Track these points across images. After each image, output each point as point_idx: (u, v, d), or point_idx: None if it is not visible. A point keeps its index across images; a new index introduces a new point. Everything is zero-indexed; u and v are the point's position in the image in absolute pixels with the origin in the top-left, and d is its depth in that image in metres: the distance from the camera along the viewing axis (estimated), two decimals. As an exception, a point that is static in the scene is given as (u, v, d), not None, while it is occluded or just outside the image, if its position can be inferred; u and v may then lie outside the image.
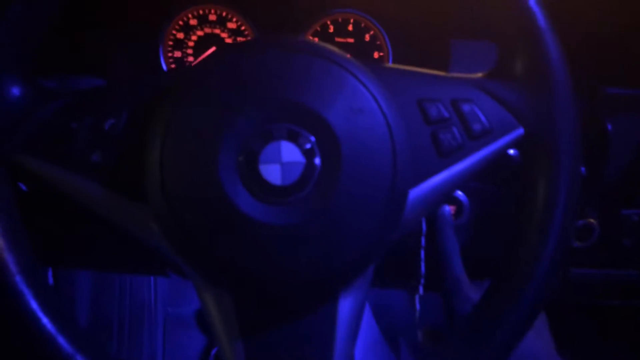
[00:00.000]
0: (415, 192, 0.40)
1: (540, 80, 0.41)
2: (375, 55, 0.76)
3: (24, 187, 0.51)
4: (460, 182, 0.41)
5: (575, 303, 0.69)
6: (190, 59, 0.73)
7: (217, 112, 0.36)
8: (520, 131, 0.41)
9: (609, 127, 0.53)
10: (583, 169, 0.54)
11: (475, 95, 0.41)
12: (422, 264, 0.60)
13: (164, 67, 0.72)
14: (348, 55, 0.39)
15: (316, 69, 0.37)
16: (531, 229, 0.41)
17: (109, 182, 0.38)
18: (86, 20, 0.64)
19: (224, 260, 0.36)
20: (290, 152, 0.36)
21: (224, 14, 0.72)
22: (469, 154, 0.41)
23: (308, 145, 0.36)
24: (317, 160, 0.36)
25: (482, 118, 0.41)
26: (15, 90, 0.38)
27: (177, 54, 0.72)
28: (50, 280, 0.94)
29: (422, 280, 0.61)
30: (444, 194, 0.41)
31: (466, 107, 0.41)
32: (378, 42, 0.75)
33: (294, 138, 0.36)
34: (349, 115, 0.37)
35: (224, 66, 0.37)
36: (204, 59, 0.38)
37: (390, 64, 0.42)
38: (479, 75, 0.44)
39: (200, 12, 0.72)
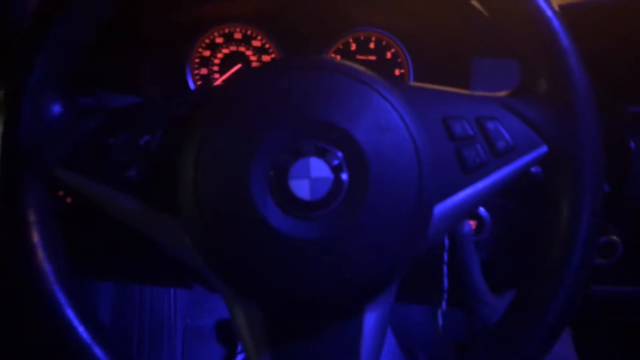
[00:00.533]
0: (440, 208, 0.40)
1: (563, 98, 0.42)
2: (397, 72, 0.77)
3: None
4: (484, 198, 0.42)
5: (599, 320, 0.68)
6: (216, 76, 0.74)
7: (248, 130, 0.37)
8: (543, 149, 0.42)
9: (632, 144, 0.53)
10: (606, 186, 0.54)
11: (500, 113, 0.42)
12: (445, 280, 0.61)
13: (191, 84, 0.73)
14: (374, 74, 0.40)
15: (343, 88, 0.38)
16: (555, 247, 0.41)
17: (143, 197, 0.40)
18: (119, 40, 0.66)
19: (253, 273, 0.37)
20: (318, 168, 0.37)
21: (249, 32, 0.74)
22: (493, 171, 0.41)
23: (336, 162, 0.37)
24: (345, 176, 0.37)
25: (506, 136, 0.41)
26: (56, 108, 0.40)
27: (204, 71, 0.74)
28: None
29: (445, 296, 0.61)
30: (468, 210, 0.42)
31: (490, 125, 0.41)
32: (399, 60, 0.77)
33: (322, 154, 0.37)
34: (376, 132, 0.38)
35: (254, 86, 0.38)
36: (234, 79, 0.40)
37: (415, 83, 0.43)
38: (503, 93, 0.44)
39: (226, 30, 0.74)
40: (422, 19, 0.73)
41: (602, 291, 0.68)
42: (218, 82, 0.75)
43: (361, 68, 0.40)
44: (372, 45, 0.76)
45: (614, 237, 0.62)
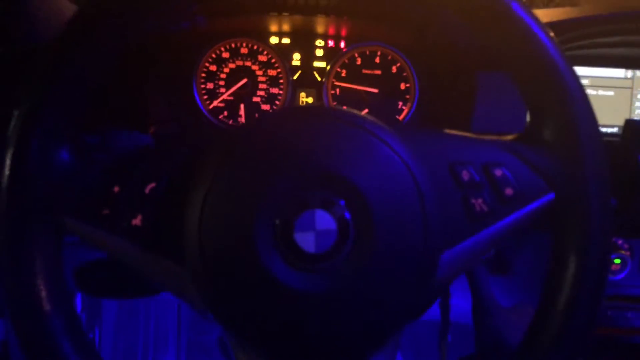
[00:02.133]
0: (447, 256, 0.40)
1: (571, 146, 0.41)
2: (402, 86, 0.77)
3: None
4: (491, 245, 0.41)
5: (612, 339, 0.67)
6: (222, 90, 0.75)
7: (254, 181, 0.37)
8: (551, 196, 0.42)
9: (639, 158, 0.53)
10: (614, 200, 0.54)
11: (507, 159, 0.42)
12: (449, 313, 0.60)
13: (197, 98, 0.74)
14: (379, 122, 0.40)
15: (349, 138, 0.38)
16: (562, 296, 0.41)
17: (149, 245, 0.39)
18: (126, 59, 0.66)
19: (257, 324, 0.37)
20: (324, 220, 0.37)
21: (255, 47, 0.75)
22: (500, 219, 0.41)
23: (341, 214, 0.37)
24: (350, 228, 0.37)
25: (513, 182, 0.41)
26: (64, 154, 0.40)
27: (210, 85, 0.75)
28: (79, 306, 0.95)
29: (449, 337, 0.60)
30: (476, 257, 0.42)
31: (497, 172, 0.41)
32: (405, 74, 0.77)
33: (327, 206, 0.37)
34: (381, 183, 0.37)
35: (259, 136, 0.38)
36: (240, 128, 0.40)
37: (421, 128, 0.43)
38: (510, 137, 0.44)
39: (233, 45, 0.74)
40: (428, 34, 0.73)
41: (611, 307, 0.67)
42: (224, 96, 0.75)
43: (366, 116, 0.40)
44: (377, 60, 0.77)
45: (623, 252, 0.62)
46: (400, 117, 0.77)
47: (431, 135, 0.43)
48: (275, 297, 0.36)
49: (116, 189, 0.40)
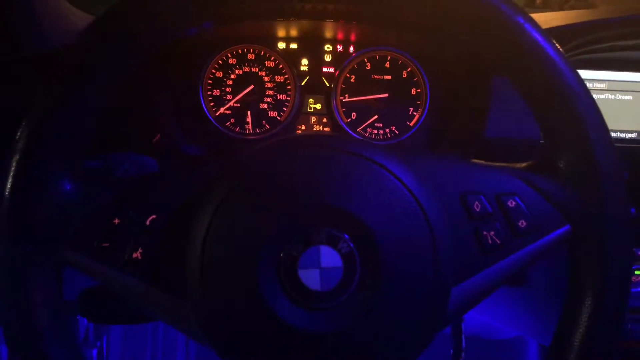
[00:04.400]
0: (458, 290, 0.39)
1: (590, 178, 0.40)
2: (413, 91, 0.75)
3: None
4: (504, 279, 0.40)
5: (633, 353, 0.65)
6: (229, 97, 0.73)
7: (256, 217, 0.36)
8: (566, 228, 0.40)
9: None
10: (633, 209, 0.52)
11: (520, 189, 0.40)
12: (463, 338, 0.58)
13: (203, 105, 0.73)
14: (387, 152, 0.39)
15: (356, 170, 0.37)
16: (579, 330, 0.40)
17: (150, 278, 0.38)
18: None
19: None
20: (329, 257, 0.35)
21: (262, 53, 0.73)
22: (513, 252, 0.40)
23: (347, 250, 0.36)
24: (357, 265, 0.36)
25: (527, 214, 0.40)
26: (66, 186, 0.39)
27: (216, 92, 0.73)
28: (85, 322, 0.94)
29: (463, 355, 0.58)
30: (488, 291, 0.40)
31: (511, 202, 0.40)
32: (415, 79, 0.75)
33: (333, 242, 0.36)
34: (388, 217, 0.36)
35: (263, 169, 0.37)
36: (243, 160, 0.38)
37: (431, 154, 0.42)
38: (523, 165, 0.42)
39: (240, 51, 0.73)
40: (439, 39, 0.71)
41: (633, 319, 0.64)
42: (231, 103, 0.74)
43: (373, 146, 0.39)
44: (387, 65, 0.75)
45: (644, 263, 0.60)
46: (411, 123, 0.75)
47: (441, 163, 0.41)
48: (279, 336, 0.35)
49: (116, 221, 0.38)
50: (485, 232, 0.39)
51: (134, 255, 0.38)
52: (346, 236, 0.36)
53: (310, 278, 0.35)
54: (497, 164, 0.43)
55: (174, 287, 0.38)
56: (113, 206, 0.39)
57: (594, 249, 0.40)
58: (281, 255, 0.36)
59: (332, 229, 0.36)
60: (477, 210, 0.40)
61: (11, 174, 0.37)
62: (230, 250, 0.36)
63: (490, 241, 0.39)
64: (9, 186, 0.37)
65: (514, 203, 0.40)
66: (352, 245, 0.36)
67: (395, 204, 0.37)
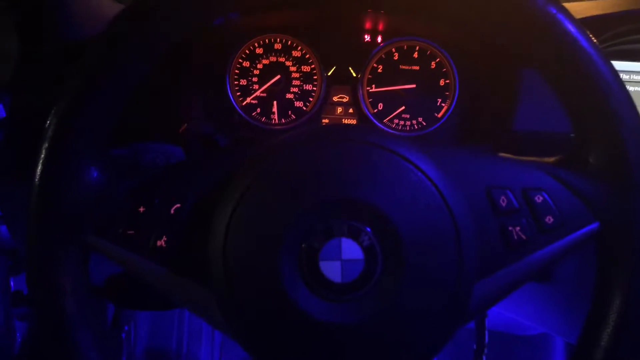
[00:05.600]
0: (481, 286, 0.38)
1: (621, 175, 0.38)
2: (441, 82, 0.74)
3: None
4: (529, 276, 0.39)
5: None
6: (256, 87, 0.74)
7: (278, 208, 0.36)
8: (595, 225, 0.39)
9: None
10: None
11: (548, 184, 0.39)
12: (486, 333, 0.58)
13: (230, 95, 0.73)
14: (411, 143, 0.38)
15: (379, 163, 0.37)
16: (606, 329, 0.39)
17: (173, 266, 0.39)
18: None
19: (279, 352, 0.36)
20: (350, 249, 0.35)
21: (289, 42, 0.73)
22: (539, 248, 0.39)
23: (369, 242, 0.35)
24: (379, 258, 0.35)
25: (555, 210, 0.39)
26: (93, 173, 0.39)
27: (243, 82, 0.74)
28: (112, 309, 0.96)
29: (486, 350, 0.58)
30: (512, 288, 0.39)
31: (538, 197, 0.39)
32: (444, 70, 0.74)
33: (354, 235, 0.35)
34: (411, 210, 0.36)
35: (286, 159, 0.37)
36: (267, 151, 0.38)
37: (457, 147, 0.41)
38: (552, 160, 0.41)
39: (266, 41, 0.73)
40: (469, 28, 0.70)
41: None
42: (257, 93, 0.74)
43: (398, 137, 0.38)
44: (415, 55, 0.74)
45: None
46: (439, 115, 0.74)
47: (467, 156, 0.41)
48: (299, 327, 0.35)
49: (142, 209, 0.39)
50: (510, 228, 0.38)
51: (159, 243, 0.39)
52: (368, 229, 0.36)
53: (331, 270, 0.35)
54: (525, 158, 0.42)
55: (197, 275, 0.38)
56: (139, 194, 0.40)
57: (623, 248, 0.39)
58: (302, 246, 0.36)
59: (354, 221, 0.36)
60: (503, 205, 0.39)
61: (41, 161, 0.38)
62: (252, 240, 0.36)
63: (515, 237, 0.38)
64: (38, 173, 0.38)
65: (541, 198, 0.39)
66: (373, 238, 0.36)
67: (419, 197, 0.36)
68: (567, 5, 0.73)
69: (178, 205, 0.39)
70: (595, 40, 0.38)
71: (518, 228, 0.38)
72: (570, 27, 0.38)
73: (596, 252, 0.40)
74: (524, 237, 0.38)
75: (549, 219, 0.39)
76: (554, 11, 0.38)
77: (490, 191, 0.39)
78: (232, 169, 0.39)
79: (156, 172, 0.41)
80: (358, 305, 0.35)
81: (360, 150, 0.37)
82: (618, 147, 0.38)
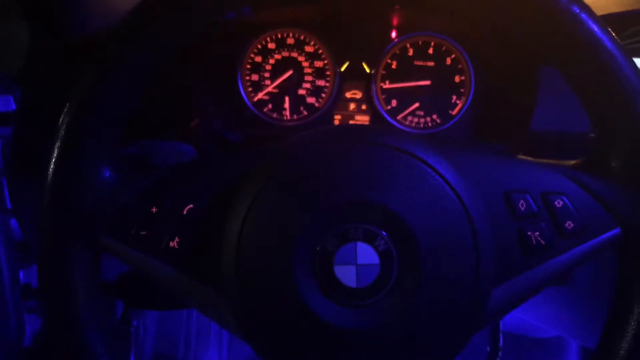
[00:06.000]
0: (498, 292, 0.37)
1: None
2: (457, 79, 0.72)
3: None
4: (548, 282, 0.38)
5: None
6: (267, 82, 0.73)
7: (292, 211, 0.35)
8: (617, 231, 0.38)
9: None
10: None
11: (568, 188, 0.39)
12: (500, 336, 0.57)
13: (242, 90, 0.72)
14: (428, 145, 0.37)
15: (395, 165, 0.36)
16: (626, 338, 0.38)
17: (186, 267, 0.39)
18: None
19: (292, 356, 0.36)
20: (366, 253, 0.35)
21: (302, 37, 0.72)
22: (558, 254, 0.38)
23: (385, 247, 0.35)
24: (395, 263, 0.35)
25: (575, 215, 0.38)
26: (105, 173, 0.39)
27: (255, 77, 0.73)
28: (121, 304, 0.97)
29: (500, 354, 0.57)
30: (530, 294, 0.39)
31: (558, 202, 0.38)
32: (460, 66, 0.72)
33: (370, 239, 0.35)
34: (429, 215, 0.35)
35: (300, 161, 0.37)
36: (281, 152, 0.38)
37: (475, 149, 0.40)
38: (572, 163, 0.40)
39: (279, 35, 0.72)
40: (485, 24, 0.68)
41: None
42: (269, 89, 0.73)
43: (413, 139, 0.38)
44: (430, 51, 0.72)
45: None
46: (454, 112, 0.73)
47: (485, 159, 0.40)
48: (312, 331, 0.34)
49: (154, 210, 0.39)
50: (529, 233, 0.38)
51: (171, 244, 0.38)
52: (384, 233, 0.35)
53: (346, 274, 0.35)
54: (545, 160, 0.41)
55: (209, 277, 0.38)
56: (151, 195, 0.39)
57: None
58: (317, 249, 0.35)
59: (369, 225, 0.35)
60: (522, 209, 0.38)
61: (53, 160, 0.37)
62: (266, 243, 0.35)
63: (534, 242, 0.38)
64: (50, 172, 0.37)
65: (561, 203, 0.38)
66: (389, 242, 0.35)
67: (436, 201, 0.35)
68: (588, 1, 0.72)
69: (191, 206, 0.39)
70: (619, 41, 0.37)
71: (537, 233, 0.38)
72: (594, 27, 0.36)
73: (617, 258, 0.39)
74: (543, 242, 0.38)
75: (569, 224, 0.38)
76: (577, 10, 0.36)
77: (509, 195, 0.38)
78: (246, 169, 0.39)
79: (168, 171, 0.40)
80: (373, 310, 0.35)
81: (377, 152, 0.37)
82: None
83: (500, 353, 0.57)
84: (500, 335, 0.59)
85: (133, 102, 0.38)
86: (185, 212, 0.38)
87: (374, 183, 0.35)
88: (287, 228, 0.35)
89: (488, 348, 0.65)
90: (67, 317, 0.38)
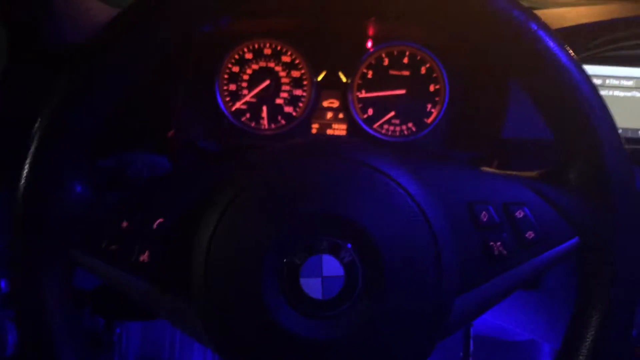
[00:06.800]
0: (462, 301, 0.38)
1: (602, 192, 0.39)
2: (432, 88, 0.74)
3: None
4: (510, 290, 0.40)
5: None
6: (245, 92, 0.73)
7: (260, 225, 0.36)
8: (575, 240, 0.39)
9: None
10: None
11: (528, 199, 0.40)
12: (471, 342, 0.58)
13: (219, 100, 0.73)
14: (391, 158, 0.38)
15: (360, 179, 0.37)
16: (586, 341, 0.39)
17: (156, 281, 0.39)
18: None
19: None
20: (331, 266, 0.35)
21: (278, 47, 0.73)
22: (520, 264, 0.39)
23: (349, 259, 0.36)
24: (359, 274, 0.36)
25: (535, 225, 0.39)
26: (77, 187, 0.39)
27: (232, 87, 0.73)
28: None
29: (471, 359, 0.58)
30: (493, 302, 0.40)
31: (519, 213, 0.39)
32: (434, 75, 0.74)
33: (335, 251, 0.36)
34: (393, 227, 0.36)
35: (267, 176, 0.37)
36: (248, 167, 0.38)
37: (438, 163, 0.41)
38: (534, 174, 0.42)
39: (256, 46, 0.73)
40: (459, 34, 0.70)
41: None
42: (247, 98, 0.73)
43: (380, 155, 0.38)
44: (405, 60, 0.74)
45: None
46: (429, 120, 0.74)
47: (448, 171, 0.41)
48: (280, 342, 0.35)
49: (124, 224, 0.39)
50: (491, 243, 0.39)
51: (141, 258, 0.39)
52: (349, 245, 0.36)
53: (312, 287, 0.35)
54: (507, 172, 0.42)
55: (179, 290, 0.38)
56: (122, 208, 0.40)
57: (602, 263, 0.39)
58: (284, 262, 0.36)
59: (334, 238, 0.36)
60: (484, 220, 0.39)
61: (24, 174, 0.38)
62: (234, 257, 0.36)
63: (496, 252, 0.39)
64: (21, 187, 0.38)
65: (522, 213, 0.39)
66: (354, 254, 0.36)
67: (399, 213, 0.36)
68: (559, 11, 0.73)
69: (161, 220, 0.39)
70: (576, 57, 0.38)
71: (499, 243, 0.39)
72: (551, 44, 0.38)
73: (577, 266, 0.41)
74: (504, 252, 0.39)
75: (530, 234, 0.39)
76: (535, 27, 0.38)
77: (472, 206, 0.39)
78: (215, 183, 0.39)
79: (140, 184, 0.41)
80: (339, 321, 0.36)
81: (342, 166, 0.37)
82: (598, 165, 0.38)
83: (470, 359, 0.58)
84: (471, 341, 0.60)
85: (106, 115, 0.39)
86: (155, 226, 0.39)
87: (338, 196, 0.36)
88: (255, 241, 0.36)
89: (462, 353, 0.66)
90: (38, 331, 0.38)
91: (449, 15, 0.40)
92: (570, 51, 0.39)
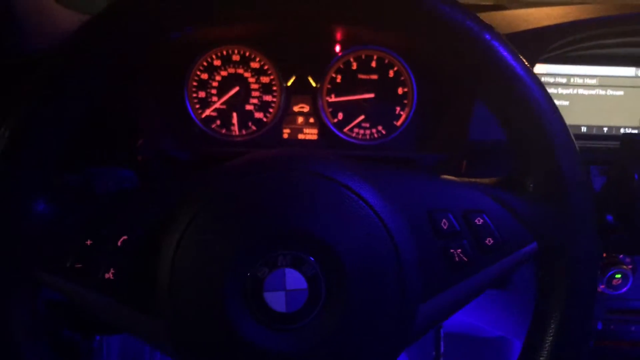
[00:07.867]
0: (425, 307, 0.39)
1: (557, 198, 0.40)
2: (400, 91, 0.75)
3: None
4: (472, 295, 0.40)
5: (615, 352, 0.65)
6: (214, 99, 0.73)
7: (223, 239, 0.36)
8: (533, 245, 0.40)
9: (636, 175, 0.51)
10: (611, 217, 0.51)
11: (487, 206, 0.41)
12: (442, 343, 0.59)
13: (189, 107, 0.73)
14: (352, 170, 0.39)
15: (320, 192, 0.38)
16: (548, 338, 0.40)
17: (121, 298, 0.39)
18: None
19: None
20: (294, 279, 0.36)
21: (247, 54, 0.73)
22: (480, 269, 0.40)
23: (312, 272, 0.36)
24: (322, 287, 0.36)
25: (494, 231, 0.40)
26: (40, 206, 0.39)
27: (202, 94, 0.73)
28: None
29: (442, 359, 0.59)
30: (456, 307, 0.41)
31: (478, 220, 0.40)
32: (402, 78, 0.74)
33: (298, 265, 0.36)
34: (354, 239, 0.37)
35: (229, 191, 0.38)
36: (210, 182, 0.39)
37: (398, 172, 0.42)
38: (493, 181, 0.42)
39: (224, 52, 0.73)
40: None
41: (613, 320, 0.65)
42: (217, 105, 0.74)
43: (340, 167, 0.39)
44: (373, 64, 0.74)
45: (625, 267, 0.59)
46: (398, 123, 0.75)
47: (408, 180, 0.42)
48: (245, 356, 0.36)
49: (89, 242, 0.39)
50: (452, 250, 0.40)
51: (106, 276, 0.39)
52: (311, 259, 0.36)
53: (276, 300, 0.36)
54: (466, 179, 0.43)
55: (145, 305, 0.39)
56: (86, 226, 0.39)
57: (559, 266, 0.40)
58: (248, 276, 0.36)
59: (297, 252, 0.36)
60: (445, 228, 0.40)
61: None
62: (198, 273, 0.36)
63: (457, 259, 0.40)
64: None
65: (481, 220, 0.40)
66: (317, 267, 0.36)
67: (360, 225, 0.37)
68: (522, 12, 0.74)
69: (125, 237, 0.39)
70: (529, 66, 0.39)
71: (459, 250, 0.40)
72: (505, 54, 0.39)
73: (535, 269, 0.42)
74: (465, 258, 0.40)
75: (489, 240, 0.40)
76: (488, 37, 0.39)
77: (432, 214, 0.40)
78: (178, 199, 0.40)
79: (104, 201, 0.41)
80: (303, 333, 0.36)
81: (301, 179, 0.38)
82: (553, 170, 0.39)
83: (442, 358, 0.59)
84: (442, 340, 0.61)
85: (71, 129, 0.38)
86: (119, 243, 0.39)
87: (299, 210, 0.37)
88: (218, 257, 0.36)
89: (434, 353, 0.67)
90: (3, 356, 0.38)
91: (408, 27, 0.40)
92: (523, 59, 0.40)
